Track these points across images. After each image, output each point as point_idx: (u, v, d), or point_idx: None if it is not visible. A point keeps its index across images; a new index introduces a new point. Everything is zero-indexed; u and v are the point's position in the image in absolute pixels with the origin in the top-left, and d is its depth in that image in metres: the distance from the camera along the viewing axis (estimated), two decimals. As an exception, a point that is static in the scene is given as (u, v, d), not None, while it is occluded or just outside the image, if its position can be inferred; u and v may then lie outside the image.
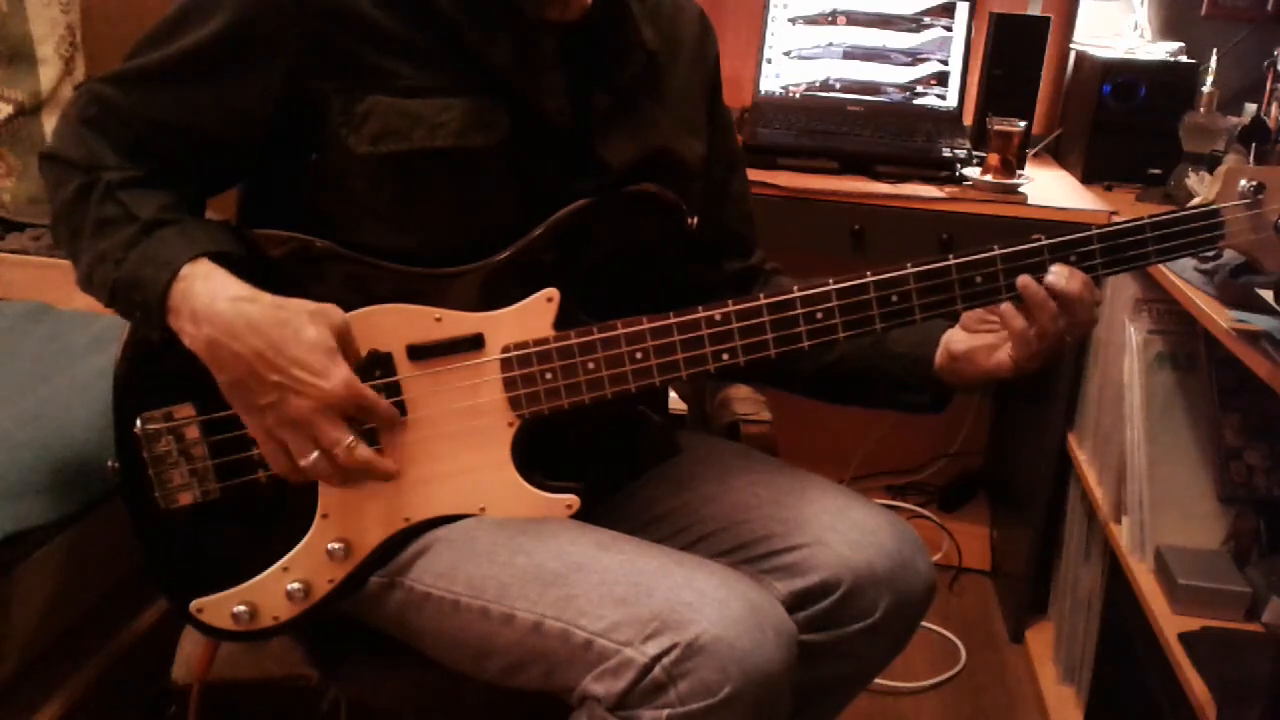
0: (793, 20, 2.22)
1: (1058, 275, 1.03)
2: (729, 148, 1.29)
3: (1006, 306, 1.05)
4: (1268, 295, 1.36)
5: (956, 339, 1.12)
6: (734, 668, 0.93)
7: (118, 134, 1.06)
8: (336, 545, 1.08)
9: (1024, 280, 1.04)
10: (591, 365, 1.07)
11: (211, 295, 0.99)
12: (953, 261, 1.05)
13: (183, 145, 1.07)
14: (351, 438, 1.00)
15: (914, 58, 2.21)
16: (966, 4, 2.19)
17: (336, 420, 1.00)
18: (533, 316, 1.07)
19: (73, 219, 1.05)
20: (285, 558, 1.09)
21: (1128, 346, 1.71)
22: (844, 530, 1.10)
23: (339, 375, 0.99)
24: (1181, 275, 1.53)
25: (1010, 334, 1.06)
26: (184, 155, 1.07)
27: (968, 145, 2.08)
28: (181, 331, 1.00)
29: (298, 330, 0.99)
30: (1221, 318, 1.36)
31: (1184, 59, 2.19)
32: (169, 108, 1.05)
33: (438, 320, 1.07)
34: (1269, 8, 2.20)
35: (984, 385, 1.11)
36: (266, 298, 1.00)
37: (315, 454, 1.00)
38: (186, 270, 1.00)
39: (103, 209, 1.03)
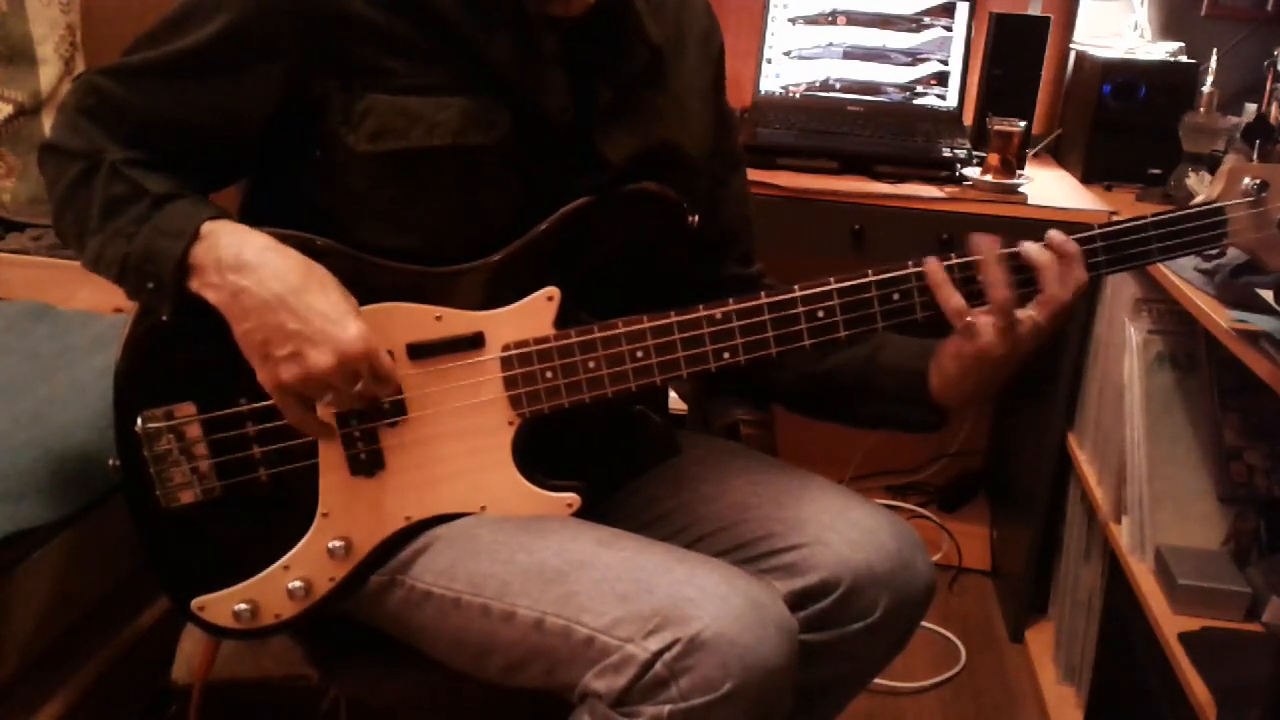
0: (793, 20, 2.22)
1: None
2: (730, 145, 1.28)
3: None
4: (1268, 295, 1.36)
5: (943, 344, 1.10)
6: (735, 663, 0.93)
7: (116, 124, 1.06)
8: (337, 543, 1.08)
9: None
10: (592, 364, 1.07)
11: (239, 244, 1.00)
12: (955, 261, 1.05)
13: (180, 140, 1.07)
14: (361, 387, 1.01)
15: (914, 58, 2.21)
16: (966, 4, 2.19)
17: (350, 379, 1.00)
18: (533, 315, 1.07)
19: (78, 203, 1.05)
20: (286, 556, 1.09)
21: (1128, 346, 1.71)
22: (843, 530, 1.10)
23: (357, 328, 1.00)
24: (1182, 275, 1.53)
25: (990, 305, 1.04)
26: (182, 150, 1.07)
27: (968, 145, 2.08)
28: (205, 287, 1.00)
29: (323, 281, 1.01)
30: (1221, 318, 1.36)
31: (1184, 59, 2.18)
32: (167, 104, 1.06)
33: (438, 319, 1.07)
34: (1269, 8, 2.20)
35: (976, 388, 1.10)
36: (292, 250, 1.01)
37: (330, 394, 1.01)
38: (208, 228, 1.00)
39: (111, 188, 1.03)
